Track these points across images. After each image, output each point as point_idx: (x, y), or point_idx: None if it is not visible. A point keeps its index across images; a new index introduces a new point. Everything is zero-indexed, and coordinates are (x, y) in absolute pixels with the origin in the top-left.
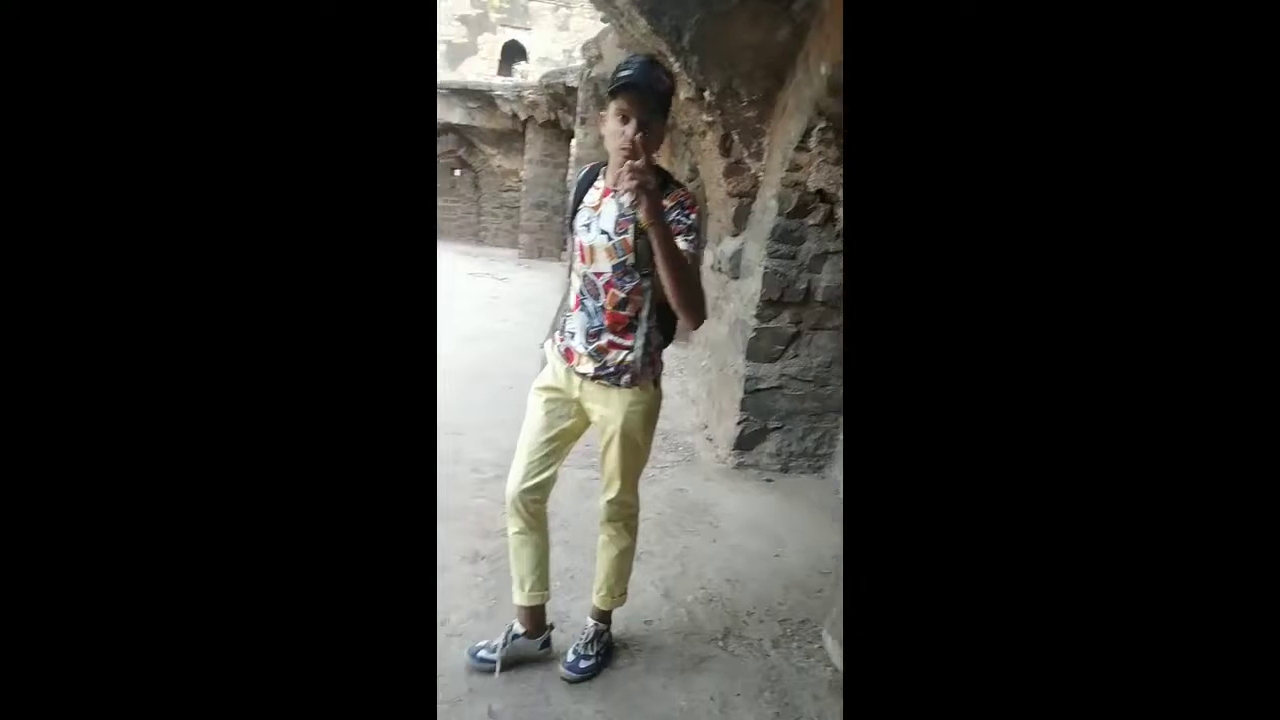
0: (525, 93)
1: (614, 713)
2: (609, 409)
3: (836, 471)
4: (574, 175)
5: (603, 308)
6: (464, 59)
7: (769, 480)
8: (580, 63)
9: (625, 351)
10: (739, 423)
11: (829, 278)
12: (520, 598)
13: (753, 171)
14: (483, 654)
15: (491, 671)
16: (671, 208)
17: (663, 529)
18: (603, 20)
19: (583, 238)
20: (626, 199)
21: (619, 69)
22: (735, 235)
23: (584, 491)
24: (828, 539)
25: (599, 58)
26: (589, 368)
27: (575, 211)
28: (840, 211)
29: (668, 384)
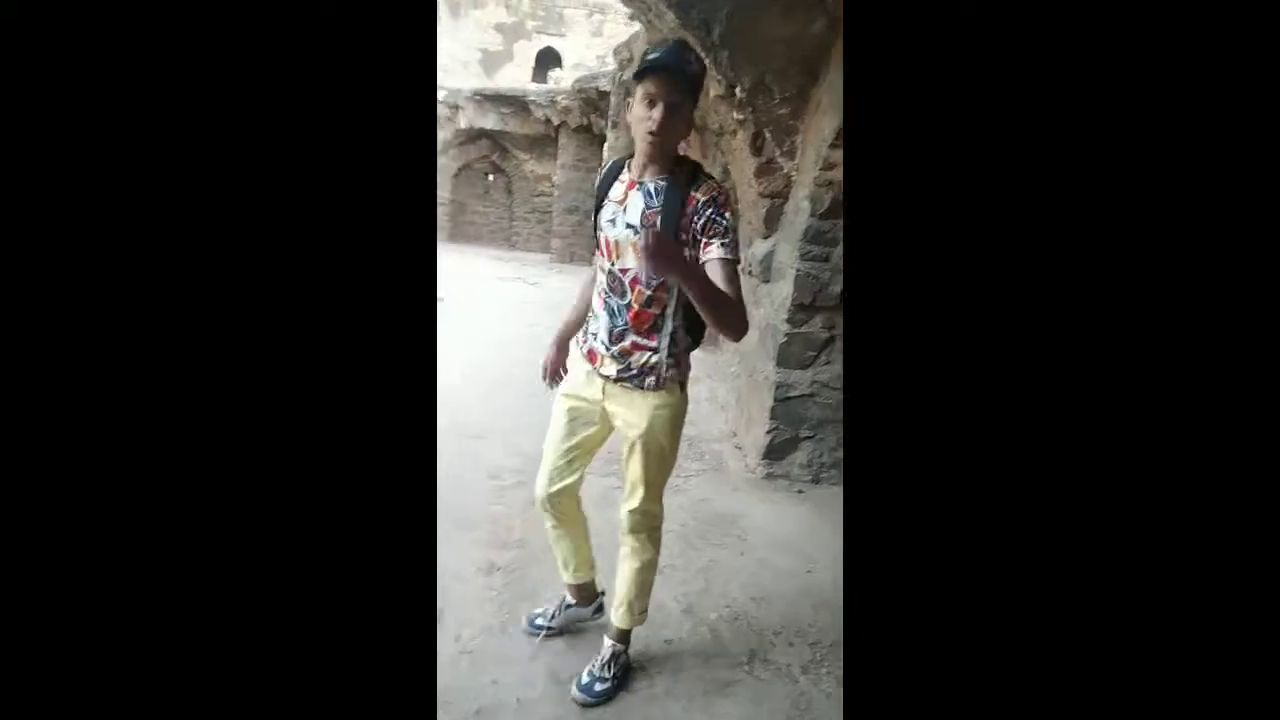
0: (558, 98)
1: None
2: (632, 413)
3: None
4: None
5: (629, 305)
6: (500, 66)
7: (799, 492)
8: (612, 67)
9: (650, 353)
10: (769, 431)
11: None
12: (567, 577)
13: (785, 171)
14: (539, 621)
15: (548, 636)
16: (704, 203)
17: (686, 541)
18: (632, 19)
19: (608, 233)
20: (644, 274)
21: (647, 52)
22: (766, 237)
23: (606, 500)
24: None
25: (630, 60)
26: (612, 369)
27: (599, 206)
28: None
29: (694, 389)
